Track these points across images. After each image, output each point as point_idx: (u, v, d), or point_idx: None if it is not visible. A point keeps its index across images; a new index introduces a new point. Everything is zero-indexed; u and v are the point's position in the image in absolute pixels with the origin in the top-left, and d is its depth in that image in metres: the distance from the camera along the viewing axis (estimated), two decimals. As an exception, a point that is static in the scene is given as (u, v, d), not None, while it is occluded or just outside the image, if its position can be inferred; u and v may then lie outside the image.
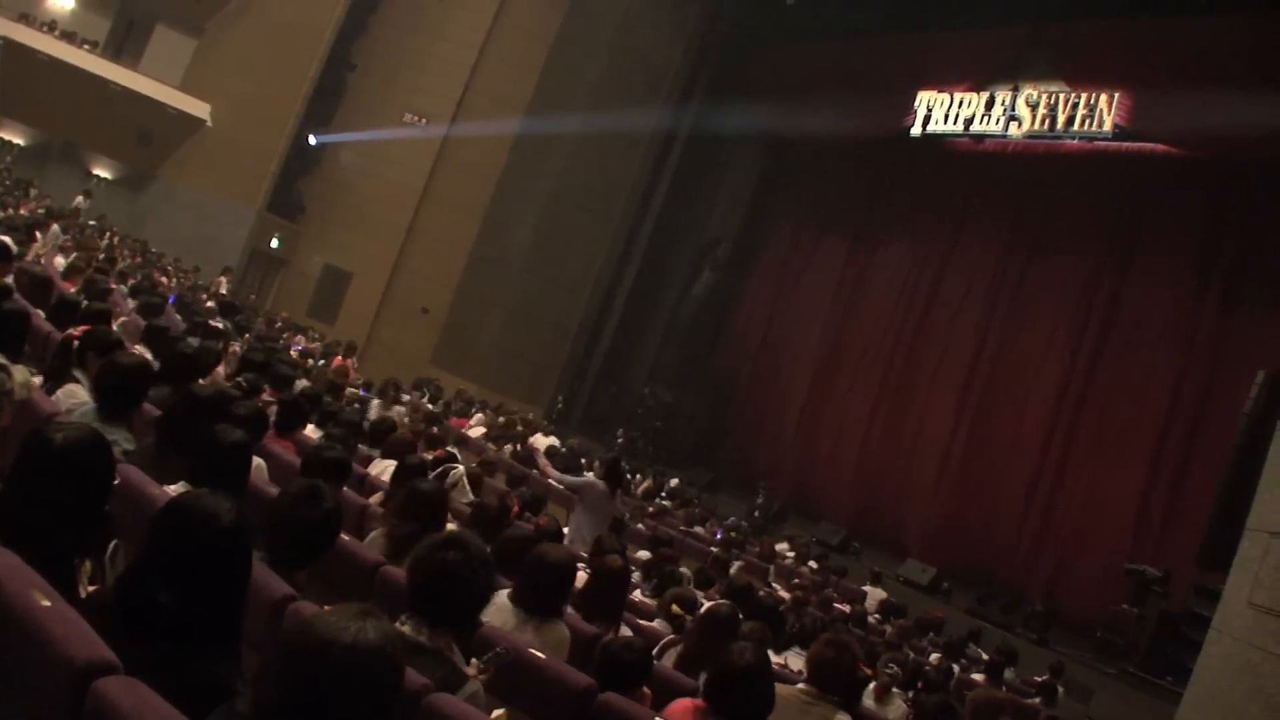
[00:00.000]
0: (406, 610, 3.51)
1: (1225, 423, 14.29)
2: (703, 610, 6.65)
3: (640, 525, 13.87)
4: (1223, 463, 12.07)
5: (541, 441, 16.09)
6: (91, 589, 3.04)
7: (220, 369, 9.27)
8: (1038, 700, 11.46)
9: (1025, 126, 19.85)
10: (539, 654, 4.34)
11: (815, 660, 5.17)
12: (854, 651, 5.42)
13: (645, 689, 4.67)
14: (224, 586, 2.66)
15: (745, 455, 24.01)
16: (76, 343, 5.97)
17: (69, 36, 25.34)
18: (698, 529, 15.80)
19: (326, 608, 2.25)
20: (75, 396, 5.49)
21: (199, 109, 26.86)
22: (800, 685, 5.00)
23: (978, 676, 10.70)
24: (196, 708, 2.35)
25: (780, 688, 4.57)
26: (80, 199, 23.84)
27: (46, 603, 2.39)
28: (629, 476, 17.34)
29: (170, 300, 13.86)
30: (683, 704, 4.45)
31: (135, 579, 2.63)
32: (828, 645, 5.26)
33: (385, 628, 2.13)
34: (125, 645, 2.42)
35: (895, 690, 7.92)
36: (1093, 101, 18.80)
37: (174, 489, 4.13)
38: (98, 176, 27.49)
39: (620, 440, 22.11)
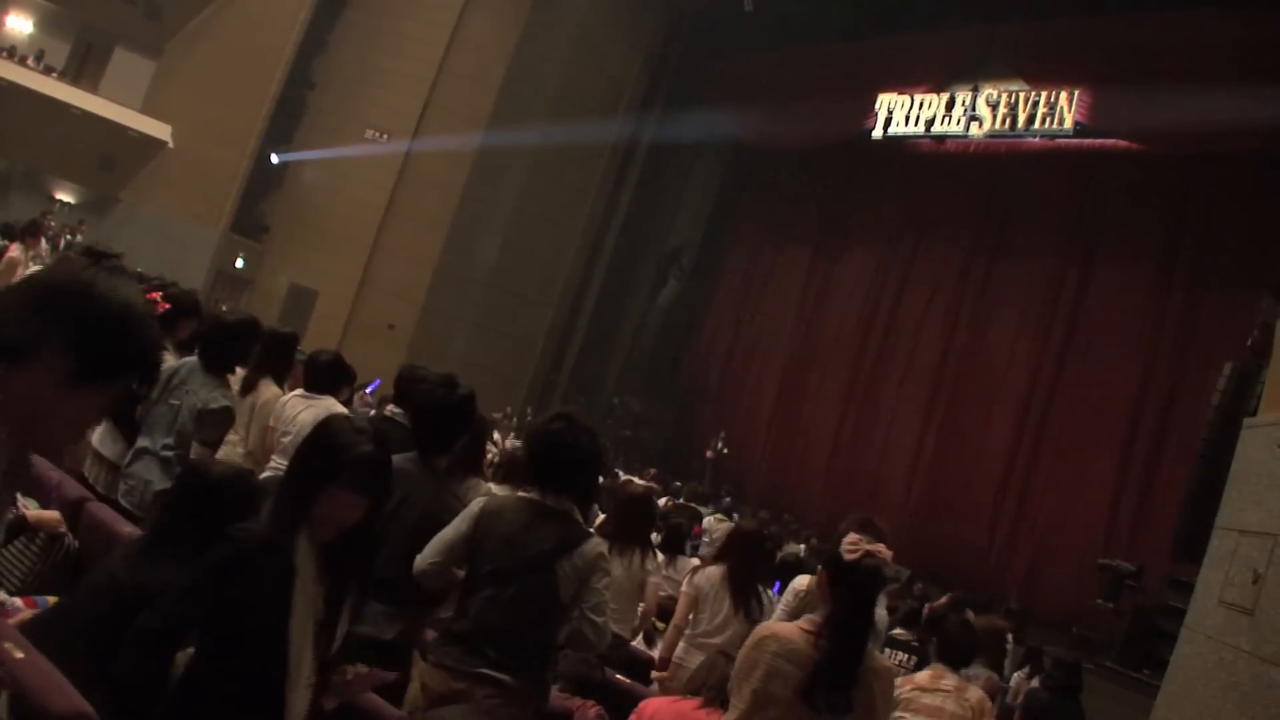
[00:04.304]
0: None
1: (1194, 415, 14.29)
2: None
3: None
4: (1193, 455, 12.12)
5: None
6: None
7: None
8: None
9: (986, 126, 19.93)
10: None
11: None
12: None
13: None
14: None
15: (716, 462, 23.95)
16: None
17: (36, 60, 25.16)
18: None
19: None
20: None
21: (160, 131, 26.63)
22: None
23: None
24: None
25: None
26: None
27: (20, 655, 2.38)
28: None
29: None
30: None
31: None
32: None
33: None
34: None
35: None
36: (1053, 99, 18.88)
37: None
38: (60, 201, 27.25)
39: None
